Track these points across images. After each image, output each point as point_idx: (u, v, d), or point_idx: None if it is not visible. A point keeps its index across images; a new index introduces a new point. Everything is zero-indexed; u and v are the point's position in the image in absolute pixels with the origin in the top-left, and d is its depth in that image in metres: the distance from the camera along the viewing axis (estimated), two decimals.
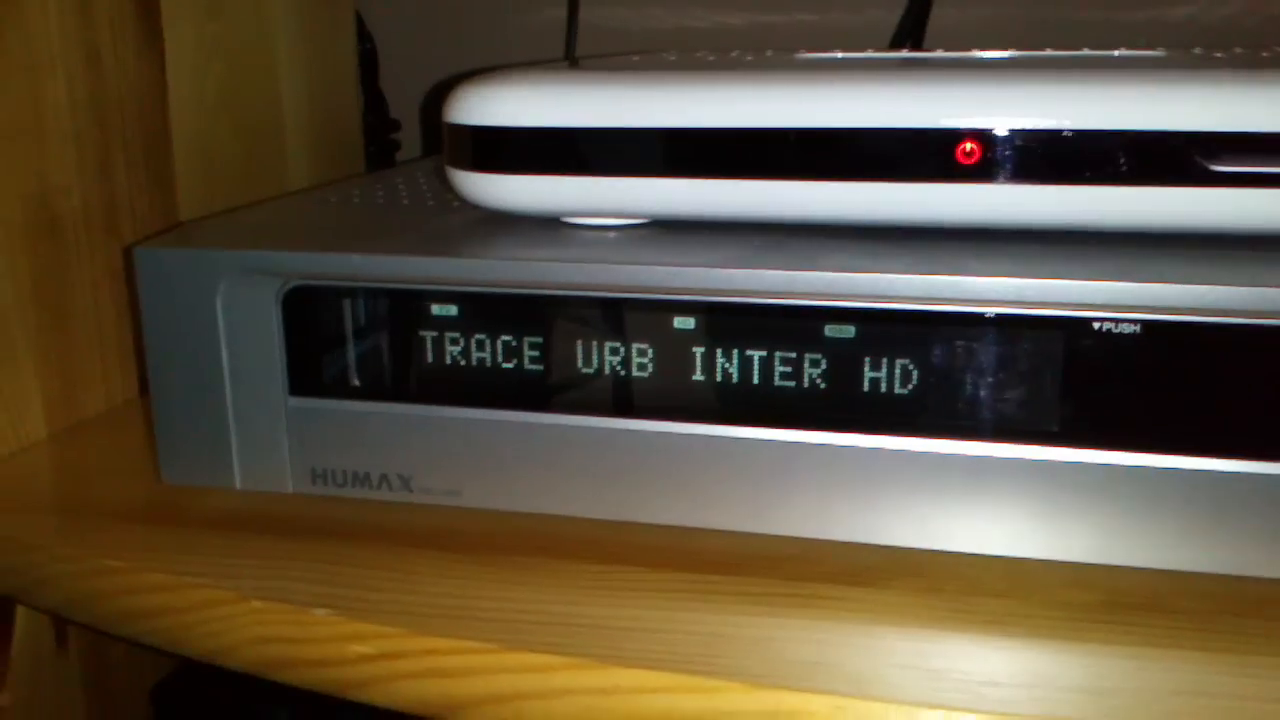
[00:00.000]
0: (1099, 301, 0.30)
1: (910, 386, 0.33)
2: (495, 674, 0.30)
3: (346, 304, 0.36)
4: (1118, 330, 0.31)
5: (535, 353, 0.35)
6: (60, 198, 0.45)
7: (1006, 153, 0.32)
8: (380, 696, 0.31)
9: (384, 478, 0.37)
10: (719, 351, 0.34)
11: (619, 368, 0.35)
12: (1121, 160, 0.31)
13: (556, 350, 0.35)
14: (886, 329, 0.32)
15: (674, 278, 0.33)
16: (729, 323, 0.34)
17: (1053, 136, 0.31)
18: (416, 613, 0.32)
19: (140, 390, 0.49)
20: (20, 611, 0.44)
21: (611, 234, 0.37)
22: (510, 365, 0.35)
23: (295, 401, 0.37)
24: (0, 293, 0.42)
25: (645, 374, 0.35)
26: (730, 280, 0.32)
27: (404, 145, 0.75)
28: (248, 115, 0.57)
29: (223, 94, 0.54)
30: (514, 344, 0.35)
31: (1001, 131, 0.32)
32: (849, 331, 0.33)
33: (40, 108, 0.43)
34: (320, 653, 0.32)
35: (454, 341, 0.36)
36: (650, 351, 0.34)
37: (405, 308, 0.36)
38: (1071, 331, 0.31)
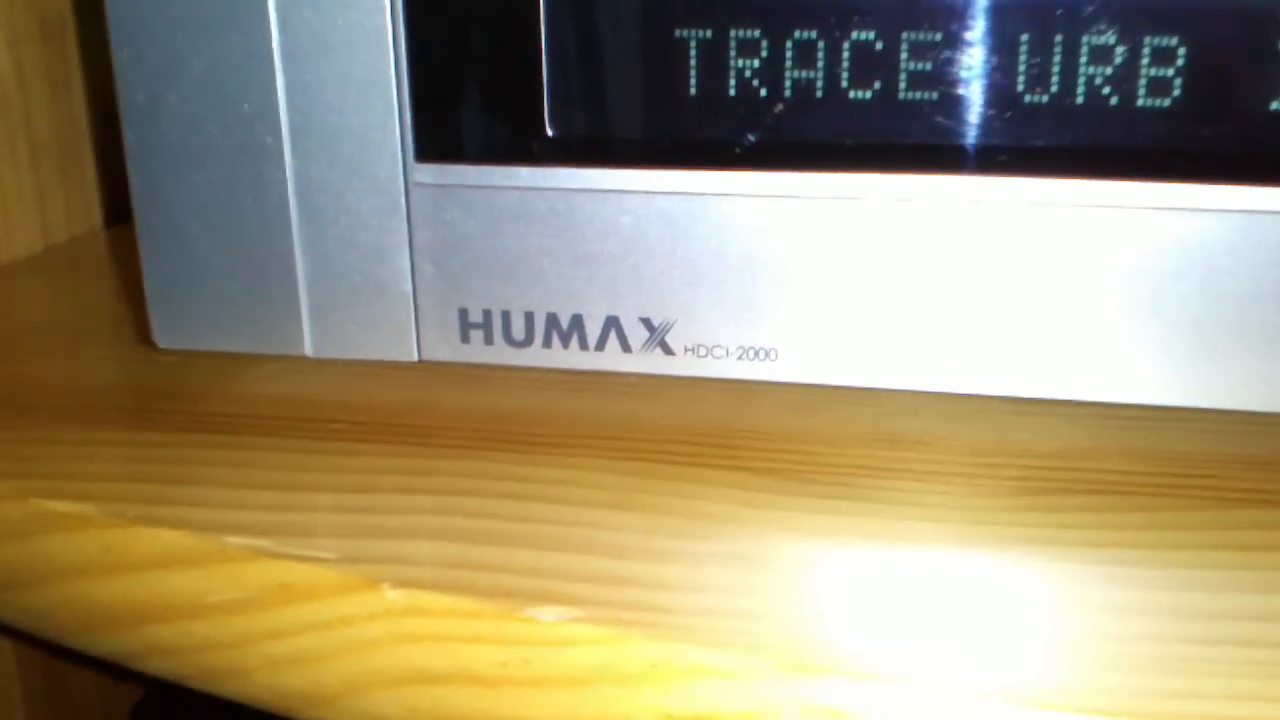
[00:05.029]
0: None
1: None
2: None
3: None
4: None
5: (924, 64, 0.17)
6: None
7: None
8: None
9: (613, 325, 0.18)
10: None
11: (1104, 87, 0.17)
12: None
13: (972, 50, 0.17)
14: None
15: None
16: None
17: None
18: (742, 614, 0.14)
19: (106, 220, 0.31)
20: None
21: None
22: (868, 93, 0.17)
23: (426, 172, 0.18)
24: None
25: (1169, 98, 0.16)
26: None
27: None
28: None
29: None
30: (881, 47, 0.17)
31: None
32: None
33: None
34: (559, 709, 0.14)
35: (750, 47, 0.17)
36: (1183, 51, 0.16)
37: None
38: None
